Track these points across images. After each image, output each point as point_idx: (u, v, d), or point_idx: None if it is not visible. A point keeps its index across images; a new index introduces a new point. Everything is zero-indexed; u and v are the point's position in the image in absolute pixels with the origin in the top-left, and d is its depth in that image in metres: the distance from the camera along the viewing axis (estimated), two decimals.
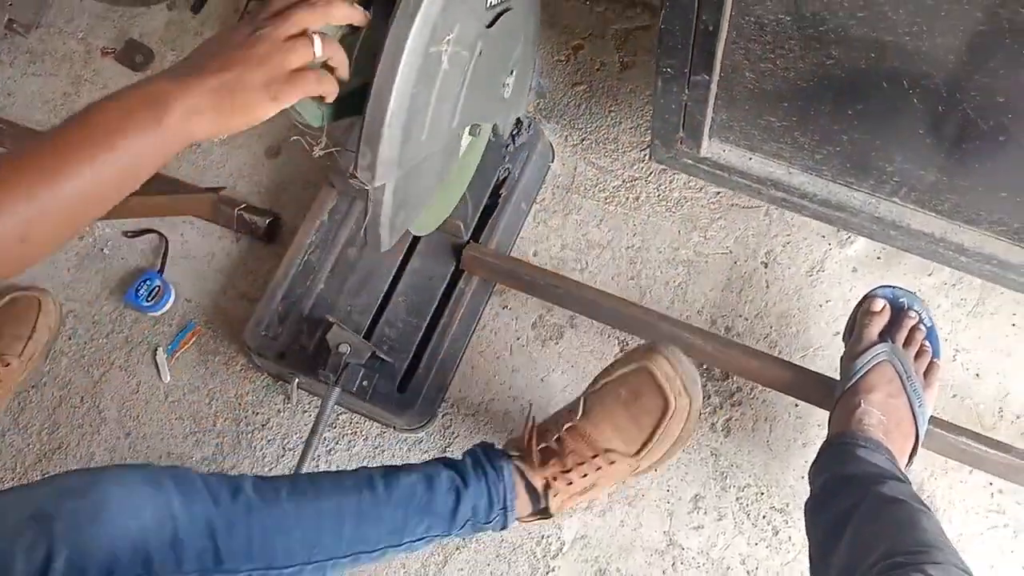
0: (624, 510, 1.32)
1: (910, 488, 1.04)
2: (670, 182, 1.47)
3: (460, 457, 1.15)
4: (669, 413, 1.15)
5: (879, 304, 1.19)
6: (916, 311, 1.20)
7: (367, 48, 0.89)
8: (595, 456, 1.14)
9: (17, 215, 0.70)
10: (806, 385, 1.25)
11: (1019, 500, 1.25)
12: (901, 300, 1.21)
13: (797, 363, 1.28)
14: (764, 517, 1.30)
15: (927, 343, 1.19)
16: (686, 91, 1.13)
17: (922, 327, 1.19)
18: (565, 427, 1.16)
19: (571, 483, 1.14)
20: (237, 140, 1.61)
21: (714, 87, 1.11)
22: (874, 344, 1.16)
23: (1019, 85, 0.90)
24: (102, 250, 1.56)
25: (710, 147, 1.26)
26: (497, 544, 1.33)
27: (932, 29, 0.88)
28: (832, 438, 1.12)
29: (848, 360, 1.17)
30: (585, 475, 1.14)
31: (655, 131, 1.26)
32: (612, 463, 1.15)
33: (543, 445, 1.15)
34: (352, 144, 0.93)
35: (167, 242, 1.54)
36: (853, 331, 1.21)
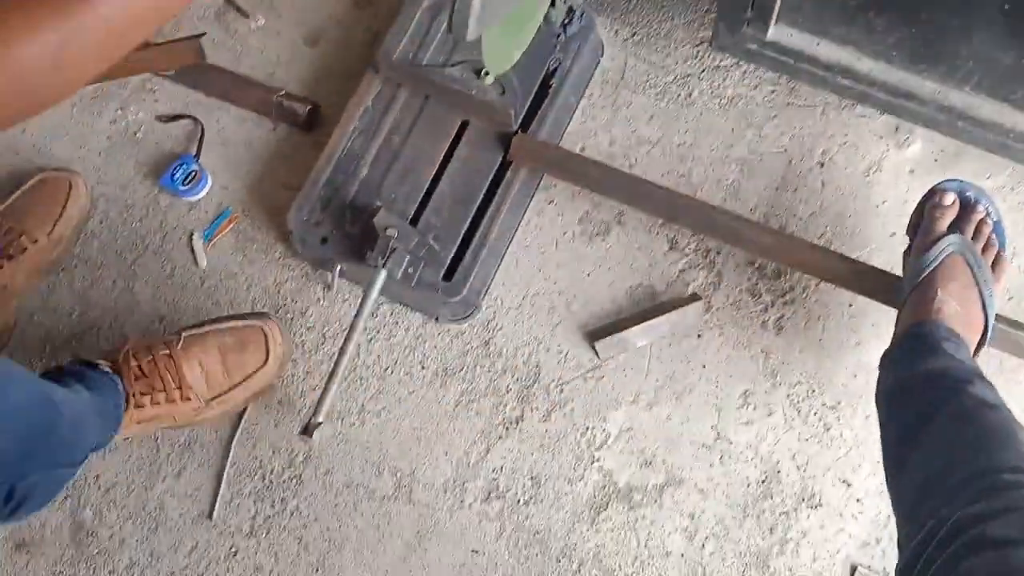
0: (672, 404, 1.28)
1: (997, 393, 0.98)
2: (724, 79, 1.40)
3: (65, 369, 1.20)
4: (260, 371, 1.27)
5: (949, 198, 1.14)
6: (984, 205, 1.15)
7: None
8: (176, 388, 1.23)
9: (52, 35, 0.64)
10: (866, 279, 1.20)
11: None
12: (968, 194, 1.16)
13: None
14: (815, 414, 1.26)
15: (994, 236, 1.14)
16: None
17: (989, 221, 1.14)
18: (161, 352, 1.24)
19: (143, 407, 1.21)
20: (275, 27, 1.53)
21: None
22: (944, 235, 1.11)
23: None
24: (135, 134, 1.49)
25: (777, 31, 1.20)
26: (541, 435, 1.29)
27: None
28: (910, 327, 1.07)
29: (919, 252, 1.12)
30: (158, 403, 1.23)
31: (721, 10, 1.20)
32: (187, 400, 1.24)
33: (136, 363, 1.22)
34: None
35: (203, 127, 1.47)
36: (920, 225, 1.16)
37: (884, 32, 1.12)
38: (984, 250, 1.12)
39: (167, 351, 1.25)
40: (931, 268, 1.09)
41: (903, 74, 1.17)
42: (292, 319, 1.37)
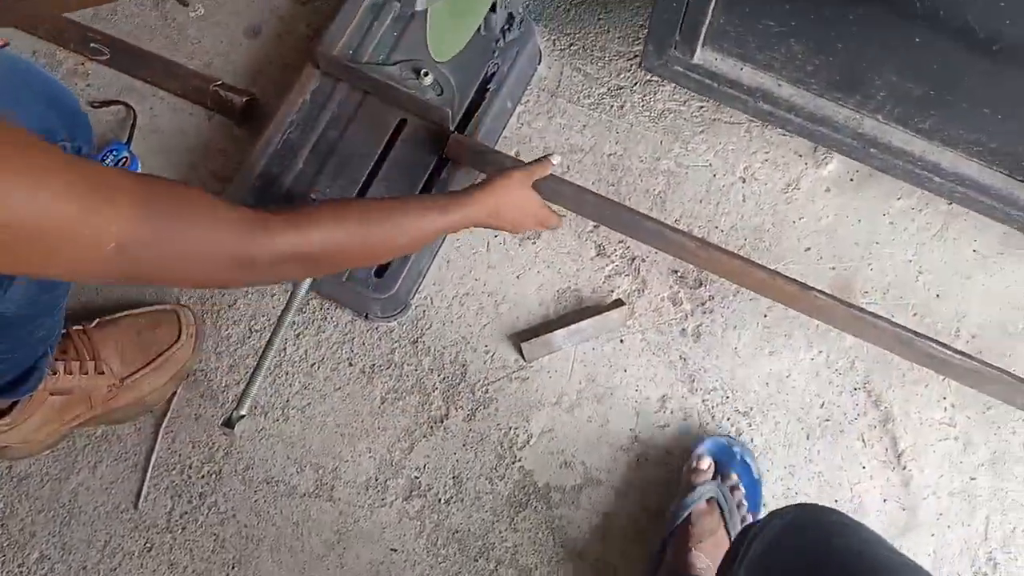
0: (592, 407, 1.26)
1: None
2: (655, 93, 1.39)
3: None
4: (173, 349, 1.23)
5: (705, 462, 1.16)
6: (736, 471, 1.16)
7: None
8: (91, 360, 1.18)
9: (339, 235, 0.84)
10: (776, 287, 1.19)
11: (970, 415, 1.23)
12: (723, 459, 1.17)
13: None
14: (728, 419, 1.25)
15: (744, 501, 1.15)
16: None
17: (741, 487, 1.15)
18: (74, 328, 1.19)
19: (56, 373, 1.15)
20: (215, 17, 1.47)
21: None
22: (700, 486, 1.13)
23: None
24: None
25: (703, 54, 1.19)
26: (464, 434, 1.26)
27: None
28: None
29: (678, 501, 1.14)
30: (71, 372, 1.17)
31: (651, 33, 1.18)
32: (101, 374, 1.19)
33: None
34: None
35: (135, 114, 1.40)
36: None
37: (803, 60, 1.11)
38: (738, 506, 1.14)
39: (81, 327, 1.19)
40: (685, 518, 1.11)
41: (821, 101, 1.17)
42: (219, 312, 1.31)
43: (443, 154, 1.29)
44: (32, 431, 1.16)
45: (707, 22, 1.12)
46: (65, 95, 0.88)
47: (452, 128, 1.31)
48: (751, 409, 1.25)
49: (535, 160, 1.19)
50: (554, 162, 1.19)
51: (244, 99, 1.39)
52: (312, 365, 1.29)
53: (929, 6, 0.94)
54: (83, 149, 0.89)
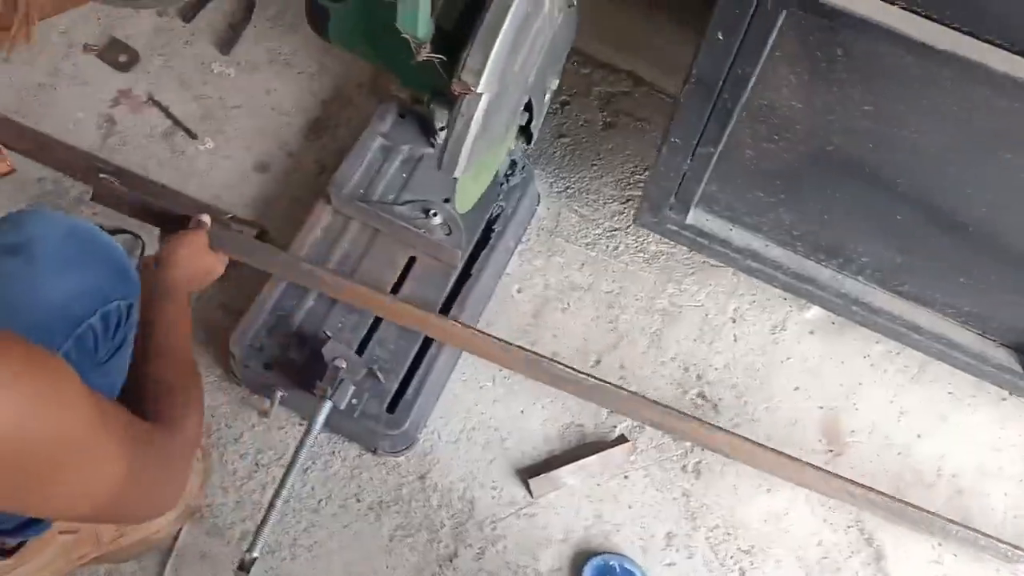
0: (599, 543, 1.23)
1: None
2: (647, 236, 1.43)
3: None
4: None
5: None
6: None
7: None
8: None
9: None
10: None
11: (956, 553, 1.25)
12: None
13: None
14: (732, 557, 1.24)
15: None
16: (688, 161, 1.09)
17: None
18: None
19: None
20: (224, 151, 1.46)
21: (715, 160, 1.08)
22: None
23: (991, 187, 0.92)
24: None
25: (695, 215, 1.22)
26: (475, 573, 1.21)
27: (932, 129, 0.88)
28: None
29: None
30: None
31: (647, 196, 1.20)
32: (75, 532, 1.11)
33: None
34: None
35: (143, 243, 1.37)
36: None
37: (791, 226, 1.15)
38: None
39: None
40: None
41: (806, 262, 1.20)
42: (225, 445, 1.26)
43: (92, 197, 1.33)
44: (38, 570, 1.07)
45: (701, 190, 1.16)
46: (118, 253, 0.87)
47: (460, 267, 1.32)
48: (752, 547, 1.25)
49: (192, 227, 1.21)
50: (204, 220, 1.22)
51: (255, 232, 1.37)
52: (319, 501, 1.24)
53: (909, 188, 0.99)
54: (133, 304, 0.87)
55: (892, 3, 0.76)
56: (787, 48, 0.84)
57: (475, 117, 0.87)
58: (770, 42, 0.83)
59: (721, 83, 0.90)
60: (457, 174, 0.95)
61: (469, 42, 0.84)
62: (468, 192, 1.22)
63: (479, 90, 0.85)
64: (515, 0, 0.83)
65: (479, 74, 0.84)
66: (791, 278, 1.22)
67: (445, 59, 0.86)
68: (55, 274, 0.81)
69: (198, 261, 1.15)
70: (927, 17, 0.77)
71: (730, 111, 0.94)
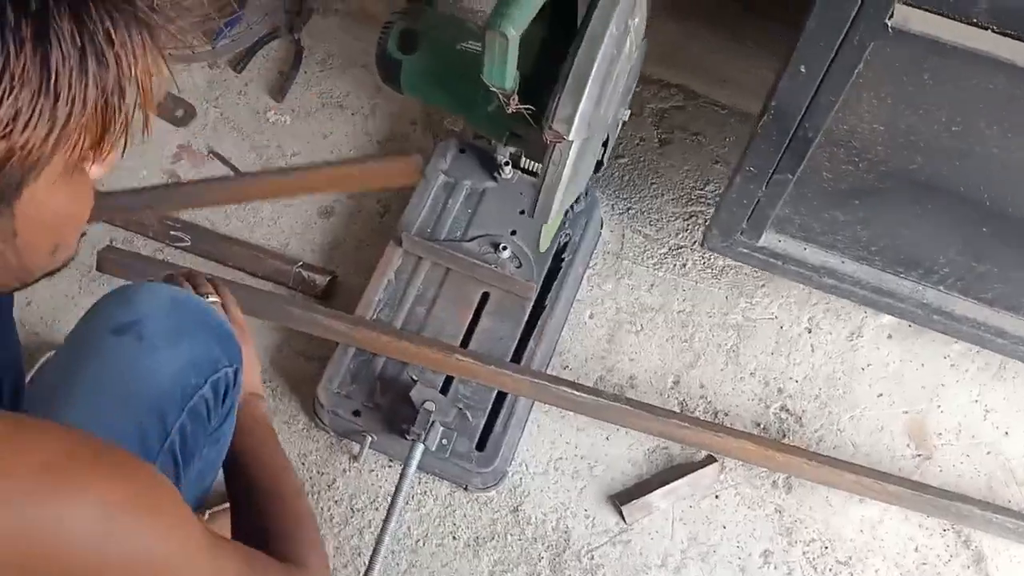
0: (698, 566, 1.25)
1: None
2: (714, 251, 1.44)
3: None
4: None
5: None
6: None
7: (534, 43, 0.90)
8: None
9: None
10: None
11: None
12: None
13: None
14: (830, 570, 1.25)
15: None
16: (763, 189, 1.08)
17: None
18: None
19: None
20: (288, 199, 1.49)
21: (791, 186, 1.07)
22: None
23: None
24: None
25: (768, 238, 1.20)
26: None
27: (1020, 144, 0.88)
28: None
29: None
30: None
31: (718, 222, 1.19)
32: None
33: None
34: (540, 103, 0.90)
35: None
36: None
37: (869, 242, 1.15)
38: None
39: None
40: None
41: (885, 275, 1.19)
42: (319, 492, 1.28)
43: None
44: None
45: (775, 214, 1.15)
46: (218, 320, 0.88)
47: (534, 298, 1.33)
48: (850, 558, 1.25)
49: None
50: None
51: (327, 279, 1.39)
52: (416, 541, 1.26)
53: (995, 200, 0.98)
54: (239, 369, 0.89)
55: (984, 28, 0.76)
56: (872, 76, 0.85)
57: (567, 164, 0.89)
58: (856, 72, 0.83)
59: (802, 114, 0.90)
60: (550, 221, 0.96)
61: (558, 90, 0.85)
62: (549, 232, 1.23)
63: (570, 138, 0.86)
64: (602, 46, 0.84)
65: (570, 122, 0.85)
66: (870, 292, 1.21)
67: (534, 109, 0.87)
68: (166, 349, 0.81)
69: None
70: (1017, 39, 0.77)
71: (810, 139, 0.95)
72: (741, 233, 1.20)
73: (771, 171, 1.03)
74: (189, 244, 1.42)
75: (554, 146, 0.85)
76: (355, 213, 1.48)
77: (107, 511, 0.56)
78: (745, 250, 1.23)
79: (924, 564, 1.25)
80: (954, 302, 1.20)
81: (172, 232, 1.43)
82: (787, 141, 0.96)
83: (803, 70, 0.85)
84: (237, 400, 0.93)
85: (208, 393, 0.85)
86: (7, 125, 0.49)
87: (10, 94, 0.49)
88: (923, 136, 0.91)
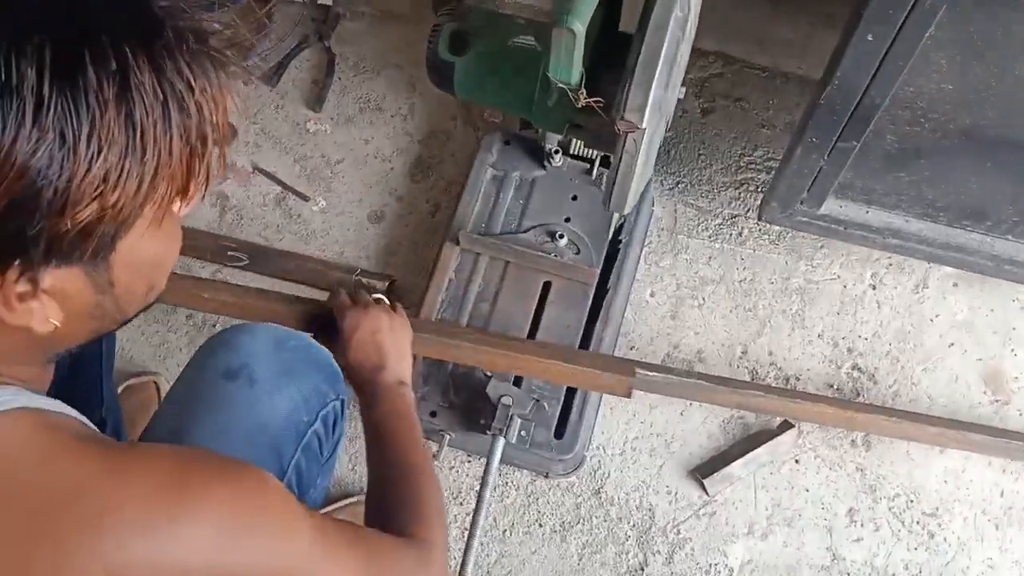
0: (785, 531, 1.26)
1: None
2: None
3: None
4: None
5: None
6: None
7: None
8: None
9: None
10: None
11: None
12: None
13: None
14: (918, 523, 1.26)
15: None
16: (825, 158, 1.07)
17: None
18: None
19: None
20: (336, 207, 1.50)
21: (856, 152, 1.05)
22: None
23: None
24: (213, 326, 1.43)
25: (829, 205, 1.19)
26: None
27: None
28: None
29: None
30: None
31: (776, 194, 1.18)
32: None
33: None
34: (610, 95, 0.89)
35: None
36: None
37: (934, 199, 1.14)
38: None
39: None
40: None
41: (951, 230, 1.18)
42: None
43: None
44: None
45: (837, 182, 1.13)
46: (323, 353, 0.90)
47: (595, 283, 1.34)
48: (936, 509, 1.26)
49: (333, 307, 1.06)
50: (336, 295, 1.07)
51: (387, 283, 1.41)
52: (504, 532, 1.28)
53: None
54: (346, 399, 0.91)
55: None
56: (943, 36, 0.84)
57: (640, 152, 0.89)
58: (927, 35, 0.83)
59: (868, 82, 0.90)
60: (627, 211, 0.97)
61: (627, 79, 0.85)
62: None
63: (643, 126, 0.86)
64: (668, 30, 0.84)
65: (642, 110, 0.85)
66: (937, 248, 1.20)
67: (603, 102, 0.87)
68: (277, 391, 0.83)
69: (365, 340, 0.98)
70: None
71: (876, 106, 0.94)
72: (801, 203, 1.19)
73: (834, 140, 1.02)
74: (247, 263, 1.44)
75: (627, 136, 0.85)
76: (406, 215, 1.49)
77: (223, 525, 0.56)
78: (805, 219, 1.22)
79: (1011, 508, 1.25)
80: None
81: (230, 252, 1.45)
82: (852, 110, 0.95)
83: (870, 38, 0.84)
84: (345, 428, 0.95)
85: (319, 428, 0.87)
86: (98, 187, 0.50)
87: (99, 156, 0.50)
88: (994, 91, 0.90)
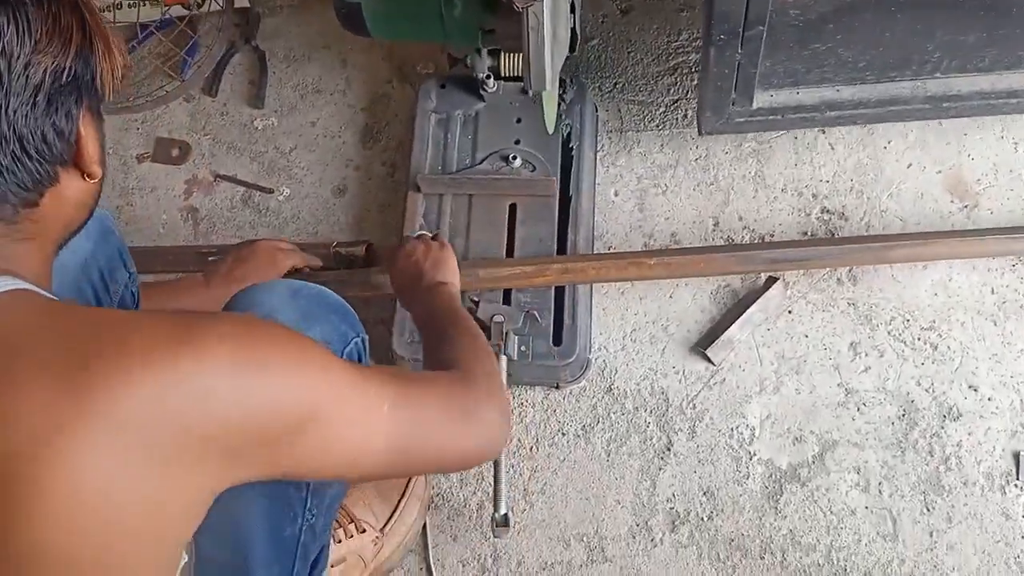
0: (795, 380, 1.25)
1: None
2: None
3: None
4: (411, 486, 1.20)
5: None
6: None
7: None
8: (350, 522, 1.15)
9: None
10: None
11: None
12: None
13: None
14: (919, 339, 1.24)
15: None
16: (739, 51, 1.04)
17: None
18: None
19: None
20: (301, 192, 1.50)
21: (765, 37, 1.02)
22: None
23: None
24: None
25: (759, 98, 1.16)
26: (694, 452, 1.24)
27: None
28: None
29: None
30: (340, 540, 1.13)
31: (706, 103, 1.16)
32: (363, 532, 1.16)
33: None
34: None
35: None
36: None
37: (855, 61, 1.11)
38: None
39: None
40: None
41: (880, 86, 1.15)
42: None
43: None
44: None
45: (759, 72, 1.10)
46: (335, 298, 0.91)
47: (557, 193, 1.33)
48: (933, 322, 1.25)
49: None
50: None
51: (363, 247, 1.40)
52: (530, 449, 1.28)
53: None
54: (366, 338, 0.93)
55: None
56: None
57: (544, 24, 0.88)
58: None
59: None
60: (549, 86, 0.95)
61: None
62: (550, 113, 1.22)
63: None
64: None
65: None
66: (874, 108, 1.17)
67: None
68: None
69: (403, 265, 1.12)
70: None
71: None
72: (733, 104, 1.16)
73: (741, 30, 0.99)
74: None
75: (526, 11, 0.84)
76: (366, 181, 1.48)
77: (235, 361, 0.58)
78: (742, 119, 1.19)
79: (1004, 303, 1.24)
80: (956, 83, 1.15)
81: (210, 258, 1.44)
82: None
83: None
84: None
85: None
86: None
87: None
88: None
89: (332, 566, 1.14)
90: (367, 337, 0.92)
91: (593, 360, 1.30)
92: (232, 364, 0.58)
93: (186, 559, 0.68)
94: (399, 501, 1.20)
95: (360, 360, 0.92)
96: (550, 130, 1.23)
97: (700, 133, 1.24)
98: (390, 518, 1.19)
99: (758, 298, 1.28)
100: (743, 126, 1.21)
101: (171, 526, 0.59)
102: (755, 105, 1.16)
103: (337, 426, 0.65)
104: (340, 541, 1.15)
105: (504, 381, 1.19)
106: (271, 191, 1.50)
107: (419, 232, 1.22)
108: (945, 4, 1.01)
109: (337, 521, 1.15)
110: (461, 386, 0.80)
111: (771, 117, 1.19)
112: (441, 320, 0.97)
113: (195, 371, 0.57)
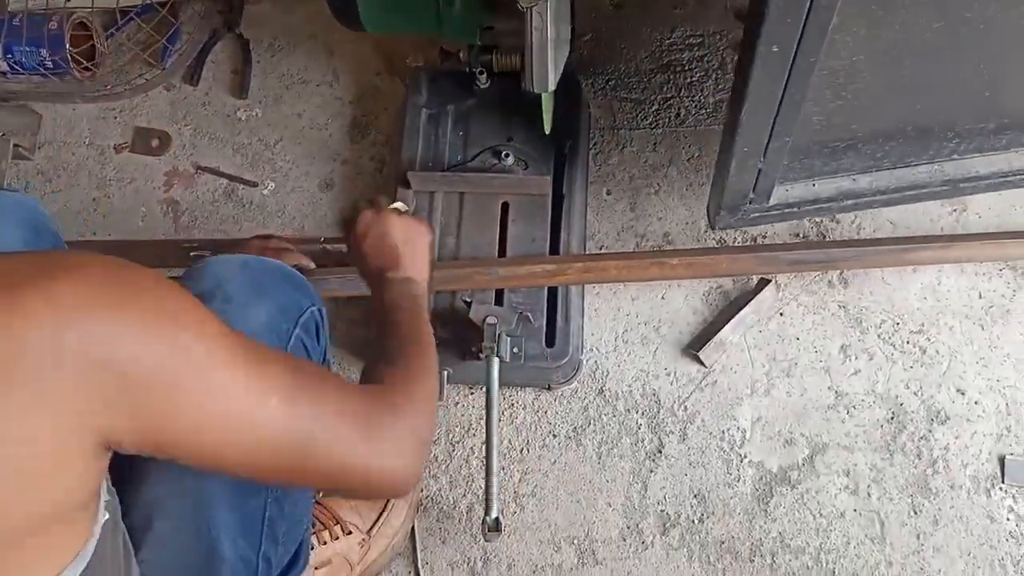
0: (785, 382, 1.24)
1: None
2: (702, 91, 1.40)
3: None
4: None
5: None
6: None
7: None
8: (336, 524, 1.12)
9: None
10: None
11: None
12: None
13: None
14: (908, 342, 1.23)
15: None
16: (762, 160, 0.99)
17: None
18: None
19: (313, 548, 1.07)
20: (287, 185, 1.45)
21: (789, 146, 0.97)
22: None
23: None
24: None
25: (776, 195, 1.10)
26: (685, 454, 1.22)
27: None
28: None
29: None
30: (325, 542, 1.11)
31: (722, 204, 1.09)
32: (349, 534, 1.13)
33: None
34: None
35: None
36: None
37: (872, 151, 1.07)
38: None
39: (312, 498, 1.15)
40: None
41: (897, 172, 1.10)
42: None
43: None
44: None
45: (778, 174, 1.04)
46: (287, 269, 0.88)
47: (551, 192, 1.29)
48: (922, 325, 1.24)
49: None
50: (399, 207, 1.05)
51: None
52: (520, 451, 1.25)
53: (988, 61, 0.92)
54: (322, 309, 0.90)
55: None
56: (844, 20, 0.77)
57: (548, 25, 0.84)
58: (831, 27, 0.76)
59: (783, 88, 0.83)
60: (551, 87, 0.92)
61: None
62: (548, 112, 1.19)
63: None
64: None
65: None
66: (892, 194, 1.12)
67: None
68: (252, 304, 0.82)
69: (375, 243, 0.96)
70: None
71: (798, 101, 0.87)
72: (749, 203, 1.10)
73: (766, 143, 0.95)
74: (211, 256, 1.38)
75: (530, 12, 0.80)
76: (354, 176, 1.43)
77: (93, 301, 0.54)
78: (757, 214, 1.13)
79: (991, 307, 1.23)
80: (974, 164, 1.11)
81: (192, 253, 1.39)
82: (775, 114, 0.88)
83: (775, 50, 0.77)
84: (328, 339, 0.94)
85: (301, 334, 0.86)
86: None
87: None
88: (909, 44, 0.85)
89: (317, 568, 1.11)
90: (324, 309, 0.90)
91: (584, 361, 1.28)
92: (93, 305, 0.54)
93: (107, 516, 0.62)
94: (386, 503, 1.17)
95: (318, 331, 0.89)
96: (548, 130, 1.20)
97: (712, 228, 1.19)
98: (377, 520, 1.16)
99: (750, 300, 1.26)
100: (758, 220, 1.15)
101: (45, 465, 0.53)
102: (772, 201, 1.10)
103: (197, 397, 0.58)
104: (325, 543, 1.11)
105: (495, 380, 1.16)
106: (255, 184, 1.45)
107: (395, 204, 1.03)
108: (968, 100, 1.00)
109: (321, 522, 1.12)
110: (373, 400, 0.71)
111: (787, 210, 1.13)
112: (398, 327, 0.86)
113: (48, 307, 0.52)
